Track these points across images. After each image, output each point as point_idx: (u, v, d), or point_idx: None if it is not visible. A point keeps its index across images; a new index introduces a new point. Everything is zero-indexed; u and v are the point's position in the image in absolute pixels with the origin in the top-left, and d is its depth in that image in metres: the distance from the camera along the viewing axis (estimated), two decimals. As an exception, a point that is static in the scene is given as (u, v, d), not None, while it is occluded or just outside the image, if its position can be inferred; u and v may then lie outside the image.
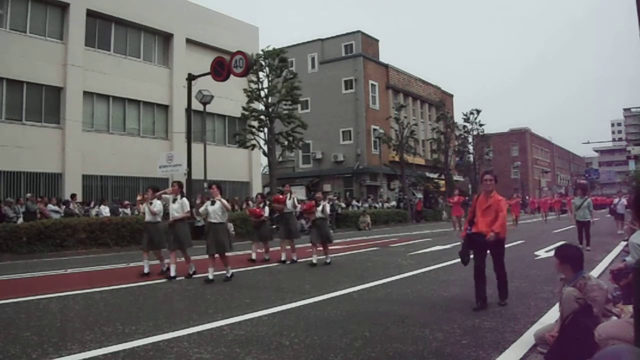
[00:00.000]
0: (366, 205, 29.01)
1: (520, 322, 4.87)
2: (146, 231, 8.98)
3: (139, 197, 10.01)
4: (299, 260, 10.57)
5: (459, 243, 14.51)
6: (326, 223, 10.40)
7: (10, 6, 17.96)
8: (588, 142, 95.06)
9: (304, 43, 37.98)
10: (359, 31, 38.06)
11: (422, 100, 43.14)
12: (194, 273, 8.49)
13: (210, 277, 7.86)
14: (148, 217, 8.90)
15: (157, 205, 8.87)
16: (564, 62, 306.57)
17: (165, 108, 23.13)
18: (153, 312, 5.69)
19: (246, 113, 23.17)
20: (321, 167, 36.27)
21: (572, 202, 13.05)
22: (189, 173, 17.71)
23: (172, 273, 8.29)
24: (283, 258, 10.58)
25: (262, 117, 23.37)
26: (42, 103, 18.81)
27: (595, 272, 7.60)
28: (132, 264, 10.57)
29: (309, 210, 10.38)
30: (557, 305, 4.63)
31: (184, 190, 10.27)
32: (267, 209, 11.16)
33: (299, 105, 26.72)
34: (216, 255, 8.08)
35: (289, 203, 10.87)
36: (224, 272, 8.12)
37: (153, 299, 6.60)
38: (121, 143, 20.90)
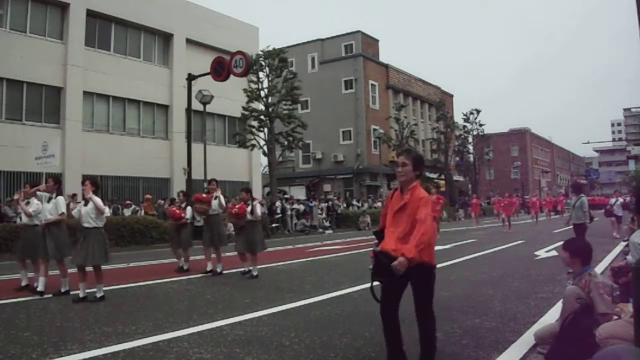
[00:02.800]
0: (365, 206, 28.98)
1: (520, 322, 4.86)
2: (22, 236, 7.44)
3: (16, 196, 8.16)
4: (224, 272, 8.92)
5: (459, 243, 14.59)
6: (257, 227, 8.68)
7: (10, 6, 17.96)
8: (588, 142, 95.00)
9: (304, 43, 37.98)
10: (359, 31, 38.06)
11: (422, 100, 43.15)
12: (67, 292, 6.86)
13: (82, 294, 6.39)
14: (24, 219, 7.35)
15: (34, 204, 7.25)
16: (564, 62, 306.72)
17: (165, 108, 23.13)
18: (153, 312, 5.68)
19: (246, 113, 23.20)
20: (321, 167, 36.27)
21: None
22: (189, 173, 17.72)
23: (40, 287, 6.80)
24: (209, 268, 8.94)
25: (262, 117, 23.40)
26: (42, 103, 18.82)
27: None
28: (132, 264, 10.58)
29: (240, 215, 8.55)
30: (558, 304, 4.64)
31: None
32: (189, 209, 9.49)
33: (299, 105, 26.76)
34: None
35: (214, 203, 9.11)
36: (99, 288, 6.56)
37: (153, 299, 6.60)
38: (121, 143, 20.90)
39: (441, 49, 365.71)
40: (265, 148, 23.84)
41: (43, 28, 18.94)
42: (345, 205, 27.86)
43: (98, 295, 6.46)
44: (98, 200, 6.58)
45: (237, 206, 8.77)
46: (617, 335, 3.15)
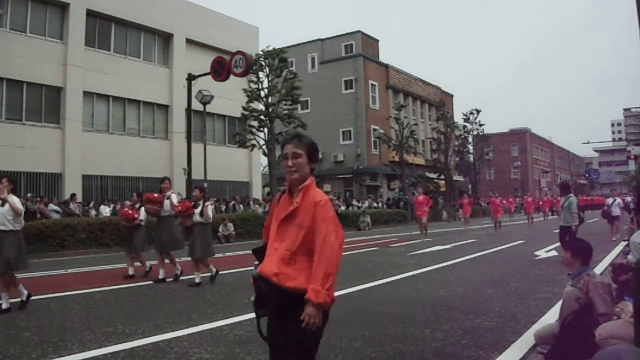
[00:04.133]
0: (365, 204, 29.00)
1: (520, 322, 4.86)
2: None
3: None
4: (168, 279, 8.05)
5: (459, 243, 14.59)
6: (206, 231, 7.96)
7: (10, 6, 17.96)
8: (588, 142, 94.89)
9: (304, 43, 37.99)
10: (359, 31, 38.06)
11: (422, 100, 43.16)
12: None
13: (4, 305, 5.78)
14: None
15: None
16: (564, 62, 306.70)
17: (165, 108, 23.14)
18: (153, 312, 5.68)
19: (246, 113, 23.20)
20: (321, 167, 36.26)
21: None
22: (189, 173, 17.71)
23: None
24: (161, 276, 8.05)
25: (262, 117, 23.39)
26: (42, 103, 18.82)
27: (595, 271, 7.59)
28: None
29: (183, 212, 7.89)
30: (558, 304, 4.64)
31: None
32: (142, 210, 8.67)
33: (299, 105, 26.73)
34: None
35: (166, 204, 8.21)
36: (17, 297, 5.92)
37: (153, 299, 6.60)
38: (121, 143, 20.91)
39: (441, 49, 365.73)
40: (265, 148, 23.84)
41: (43, 28, 18.94)
42: (345, 205, 27.85)
43: (3, 306, 5.73)
44: (15, 200, 5.97)
45: (180, 203, 8.17)
46: (617, 336, 3.15)
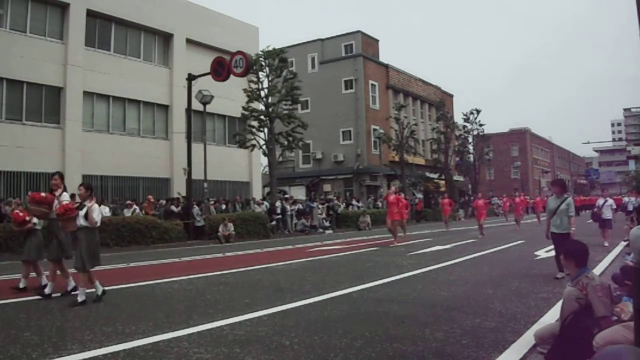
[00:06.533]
0: (368, 201, 29.00)
1: (520, 322, 4.86)
2: None
3: None
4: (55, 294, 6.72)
5: (459, 243, 14.58)
6: (92, 237, 6.42)
7: (10, 6, 17.97)
8: (588, 142, 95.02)
9: (304, 43, 38.00)
10: (359, 31, 38.08)
11: (422, 100, 43.16)
12: None
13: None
14: None
15: None
16: (564, 62, 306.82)
17: (165, 108, 23.13)
18: (153, 312, 5.68)
19: (246, 113, 23.22)
20: (321, 167, 36.28)
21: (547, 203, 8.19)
22: (189, 173, 17.72)
23: None
24: (48, 290, 6.67)
25: (262, 117, 23.42)
26: (42, 103, 18.83)
27: (595, 272, 7.58)
28: (132, 264, 10.58)
29: (62, 215, 6.43)
30: (558, 304, 4.64)
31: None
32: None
33: (299, 105, 26.77)
34: None
35: (56, 205, 6.76)
36: None
37: (153, 299, 6.59)
38: (121, 143, 20.91)
39: (441, 49, 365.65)
40: (265, 148, 23.86)
41: (43, 28, 18.94)
42: (345, 205, 27.86)
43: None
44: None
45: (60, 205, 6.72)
46: (614, 341, 3.13)
